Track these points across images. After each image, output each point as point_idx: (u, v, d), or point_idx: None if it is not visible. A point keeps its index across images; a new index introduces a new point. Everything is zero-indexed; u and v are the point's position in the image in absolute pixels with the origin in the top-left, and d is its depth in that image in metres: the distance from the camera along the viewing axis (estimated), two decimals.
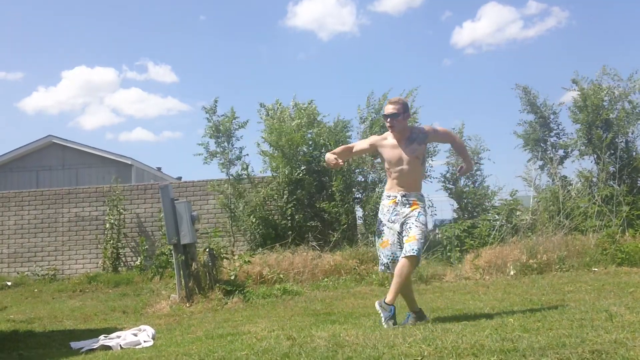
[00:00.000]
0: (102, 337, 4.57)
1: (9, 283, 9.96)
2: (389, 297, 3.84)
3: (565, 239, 7.76)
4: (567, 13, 38.65)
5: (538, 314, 3.76)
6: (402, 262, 3.84)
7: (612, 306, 3.79)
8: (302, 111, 9.98)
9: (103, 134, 41.93)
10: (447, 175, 10.19)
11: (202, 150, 9.88)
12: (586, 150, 9.63)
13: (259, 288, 7.00)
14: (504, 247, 7.78)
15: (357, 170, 9.78)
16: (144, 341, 4.37)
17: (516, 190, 9.54)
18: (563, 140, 10.03)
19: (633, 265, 7.09)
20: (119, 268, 10.42)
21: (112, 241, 10.48)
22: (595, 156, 9.54)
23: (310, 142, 9.80)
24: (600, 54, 35.71)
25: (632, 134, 9.53)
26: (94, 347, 4.33)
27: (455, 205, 10.18)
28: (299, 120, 9.76)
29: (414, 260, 3.83)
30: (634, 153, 9.46)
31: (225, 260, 7.13)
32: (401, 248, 3.92)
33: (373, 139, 4.32)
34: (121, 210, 10.64)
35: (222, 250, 7.19)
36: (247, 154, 11.64)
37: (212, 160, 9.91)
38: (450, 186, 10.15)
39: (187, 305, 6.42)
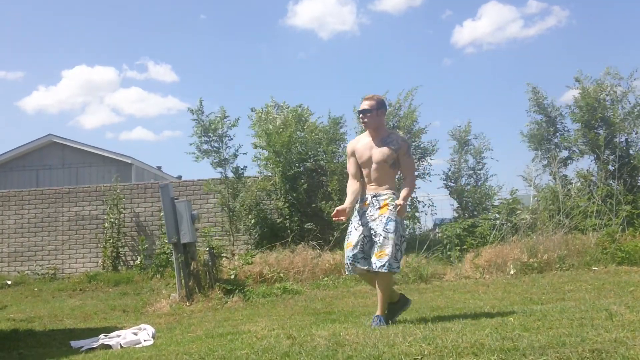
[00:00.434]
0: (102, 336, 4.57)
1: (9, 282, 9.96)
2: (378, 311, 3.87)
3: (565, 238, 7.76)
4: (567, 12, 38.59)
5: (538, 313, 3.75)
6: (377, 278, 3.85)
7: (612, 305, 3.79)
8: (285, 109, 10.06)
9: (103, 133, 41.94)
10: (449, 173, 10.21)
11: (194, 149, 9.85)
12: (585, 149, 9.62)
13: (259, 287, 7.01)
14: (504, 246, 7.79)
15: None
16: (144, 340, 4.37)
17: (516, 190, 9.56)
18: (565, 136, 10.00)
19: (633, 264, 7.08)
20: (119, 267, 10.42)
21: (112, 240, 10.48)
22: (595, 155, 9.53)
23: (303, 142, 9.80)
24: (601, 54, 35.65)
25: (635, 134, 9.54)
26: (94, 346, 4.33)
27: (456, 205, 10.21)
28: (282, 116, 9.85)
29: (385, 275, 3.80)
30: (632, 152, 9.43)
31: (225, 259, 7.13)
32: (363, 251, 3.85)
33: (349, 147, 4.18)
34: (121, 210, 10.64)
35: (222, 249, 7.19)
36: (246, 152, 11.67)
37: (202, 159, 9.88)
38: (451, 184, 10.17)
39: (187, 304, 6.43)
